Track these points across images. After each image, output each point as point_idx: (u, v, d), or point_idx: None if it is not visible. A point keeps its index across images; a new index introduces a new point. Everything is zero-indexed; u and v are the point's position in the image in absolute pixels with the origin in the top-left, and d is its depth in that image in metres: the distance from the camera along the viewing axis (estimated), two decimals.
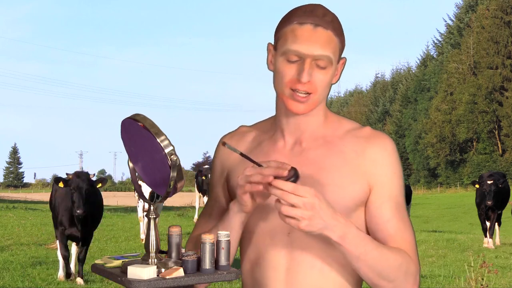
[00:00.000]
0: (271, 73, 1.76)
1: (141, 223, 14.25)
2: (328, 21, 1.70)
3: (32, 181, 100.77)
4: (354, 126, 1.80)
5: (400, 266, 1.67)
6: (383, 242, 1.71)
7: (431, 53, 74.88)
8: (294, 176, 1.56)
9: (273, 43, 1.77)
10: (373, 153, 1.73)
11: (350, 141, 1.75)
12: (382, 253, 1.64)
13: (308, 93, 1.69)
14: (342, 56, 1.76)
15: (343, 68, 1.78)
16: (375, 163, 1.72)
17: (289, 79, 1.69)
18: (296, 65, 1.68)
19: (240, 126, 1.92)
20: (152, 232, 1.57)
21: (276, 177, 1.56)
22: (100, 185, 8.79)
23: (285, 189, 1.53)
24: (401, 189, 1.77)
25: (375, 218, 1.73)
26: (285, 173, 1.56)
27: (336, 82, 1.79)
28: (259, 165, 1.59)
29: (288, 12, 1.76)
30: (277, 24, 1.77)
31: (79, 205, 8.35)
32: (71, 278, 8.94)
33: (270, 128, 1.85)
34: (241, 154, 1.63)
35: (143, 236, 14.04)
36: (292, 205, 1.54)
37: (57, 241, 8.98)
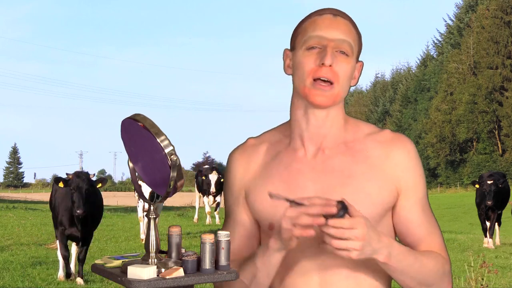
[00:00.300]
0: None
1: (141, 223, 14.25)
2: (347, 16, 1.73)
3: (32, 181, 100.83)
4: (373, 130, 1.78)
5: (438, 271, 1.70)
6: (415, 245, 1.74)
7: (431, 53, 74.92)
8: (342, 209, 1.53)
9: (289, 49, 1.74)
10: (397, 157, 1.72)
11: (373, 146, 1.73)
12: (422, 262, 1.67)
13: (331, 83, 1.65)
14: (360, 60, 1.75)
15: (361, 72, 1.76)
16: (401, 167, 1.72)
17: (310, 68, 1.66)
18: (317, 52, 1.66)
19: (248, 139, 1.86)
20: (152, 232, 1.57)
21: (325, 215, 1.52)
22: (100, 185, 8.79)
23: (344, 227, 1.51)
24: (425, 189, 1.78)
25: (405, 222, 1.74)
26: (334, 209, 1.53)
27: (355, 84, 1.76)
28: (301, 204, 1.54)
29: (303, 18, 1.76)
30: (292, 32, 1.76)
31: (79, 205, 8.35)
32: (71, 278, 8.94)
33: (284, 136, 1.79)
34: (288, 201, 1.56)
35: (143, 236, 14.04)
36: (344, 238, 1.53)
37: (57, 241, 8.97)
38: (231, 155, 1.85)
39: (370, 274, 1.71)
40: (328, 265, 1.69)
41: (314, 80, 1.65)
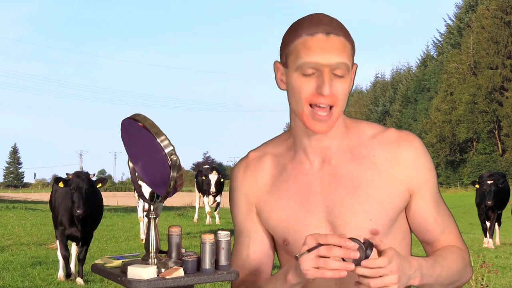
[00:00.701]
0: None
1: (141, 223, 14.25)
2: (337, 27, 1.63)
3: (32, 181, 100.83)
4: (377, 130, 1.74)
5: (461, 268, 1.71)
6: (434, 241, 1.74)
7: (431, 53, 74.89)
8: (369, 247, 1.49)
9: (280, 61, 1.68)
10: (406, 158, 1.70)
11: (379, 149, 1.70)
12: (448, 267, 1.66)
13: (330, 106, 1.61)
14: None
15: (354, 75, 1.70)
16: (411, 167, 1.70)
17: (308, 95, 1.60)
18: (313, 78, 1.60)
19: (249, 153, 1.82)
20: (152, 232, 1.57)
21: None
22: (100, 185, 8.79)
23: (378, 266, 1.47)
24: (437, 183, 1.77)
25: (423, 221, 1.73)
26: (357, 255, 1.47)
27: (350, 90, 1.70)
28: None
29: (292, 25, 1.68)
30: (281, 41, 1.68)
31: (79, 205, 8.35)
32: (71, 278, 8.94)
33: (287, 149, 1.76)
34: (311, 249, 1.50)
35: (143, 236, 14.04)
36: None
37: (57, 241, 8.97)
38: (235, 172, 1.82)
39: None
40: (347, 280, 1.65)
41: (312, 106, 1.61)
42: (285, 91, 1.69)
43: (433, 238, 1.74)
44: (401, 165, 1.69)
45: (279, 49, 1.69)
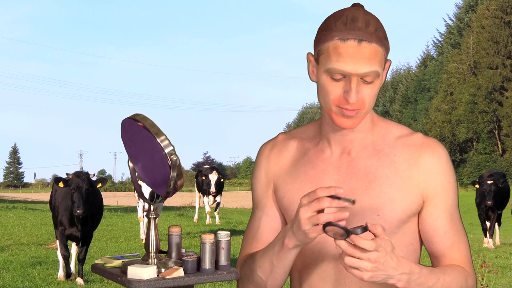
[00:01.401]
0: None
1: (141, 223, 14.25)
2: (372, 32, 1.60)
3: (32, 181, 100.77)
4: (404, 132, 1.75)
5: (460, 287, 1.67)
6: (440, 255, 1.71)
7: (431, 53, 74.92)
8: (361, 229, 1.48)
9: (313, 54, 1.68)
10: (427, 163, 1.69)
11: (401, 150, 1.70)
12: (444, 282, 1.63)
13: (357, 109, 1.62)
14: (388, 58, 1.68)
15: (387, 71, 1.70)
16: (430, 173, 1.69)
17: (335, 97, 1.61)
18: (341, 83, 1.60)
19: (279, 134, 1.86)
20: (152, 232, 1.57)
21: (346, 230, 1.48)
22: (100, 185, 8.79)
23: (362, 246, 1.47)
24: (456, 197, 1.74)
25: (432, 230, 1.71)
26: (346, 214, 1.48)
27: (379, 88, 1.69)
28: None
29: (327, 21, 1.65)
30: (316, 32, 1.67)
31: (79, 205, 8.35)
32: (71, 278, 8.94)
33: (314, 135, 1.79)
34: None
35: (143, 236, 14.04)
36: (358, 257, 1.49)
37: (57, 241, 8.98)
38: (261, 149, 1.86)
39: None
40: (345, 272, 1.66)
41: (340, 107, 1.62)
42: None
43: (439, 251, 1.71)
44: (420, 169, 1.68)
45: (314, 40, 1.69)
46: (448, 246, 1.71)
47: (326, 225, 1.48)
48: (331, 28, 1.63)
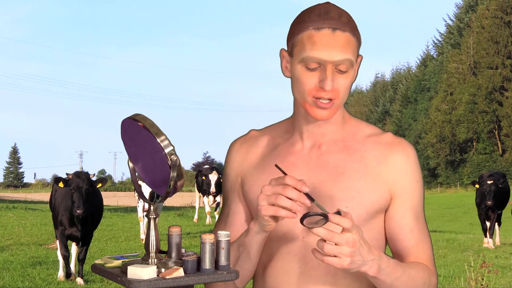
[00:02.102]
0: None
1: (141, 223, 14.26)
2: (345, 22, 1.65)
3: (32, 181, 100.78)
4: (375, 131, 1.76)
5: (424, 284, 1.68)
6: (405, 253, 1.72)
7: (431, 53, 74.92)
8: (324, 219, 1.48)
9: (286, 49, 1.71)
10: (396, 161, 1.71)
11: (371, 147, 1.72)
12: (410, 275, 1.64)
13: (331, 99, 1.64)
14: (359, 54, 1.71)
15: (359, 66, 1.72)
16: (398, 171, 1.70)
17: (310, 87, 1.64)
18: (316, 73, 1.63)
19: (250, 130, 1.88)
20: (152, 232, 1.57)
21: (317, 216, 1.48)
22: (100, 185, 8.80)
23: (345, 225, 1.47)
24: (422, 197, 1.76)
25: (397, 228, 1.72)
26: (308, 203, 1.49)
27: (353, 81, 1.73)
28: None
29: (300, 15, 1.70)
30: (289, 28, 1.71)
31: (79, 205, 8.36)
32: (71, 278, 8.95)
33: (286, 131, 1.81)
34: (279, 169, 1.54)
35: (143, 236, 14.05)
36: (335, 243, 1.48)
37: (57, 241, 8.98)
38: (231, 145, 1.87)
39: (350, 272, 1.64)
40: (310, 259, 1.67)
41: (315, 97, 1.65)
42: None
43: (404, 249, 1.72)
44: (389, 167, 1.70)
45: (286, 37, 1.72)
46: (413, 244, 1.72)
47: (304, 217, 1.48)
48: (305, 20, 1.67)
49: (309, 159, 1.73)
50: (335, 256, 1.49)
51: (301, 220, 1.49)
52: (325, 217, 1.48)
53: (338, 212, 1.49)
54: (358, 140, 1.74)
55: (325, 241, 1.49)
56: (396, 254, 1.75)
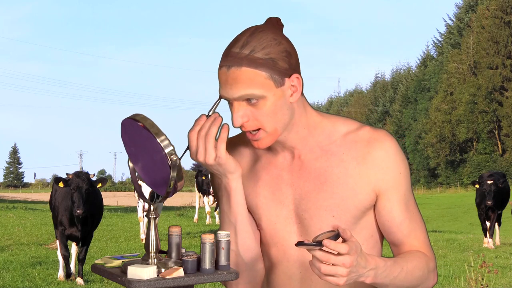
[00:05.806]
0: None
1: (141, 223, 14.25)
2: (244, 55, 1.60)
3: (32, 181, 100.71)
4: (351, 128, 1.73)
5: (423, 273, 1.70)
6: (399, 243, 1.74)
7: (431, 53, 74.85)
8: (334, 237, 1.50)
9: None
10: (375, 159, 1.69)
11: (349, 147, 1.71)
12: (408, 270, 1.66)
13: (258, 129, 1.64)
14: (292, 74, 1.62)
15: (302, 83, 1.65)
16: (379, 168, 1.69)
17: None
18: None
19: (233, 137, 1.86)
20: (152, 232, 1.57)
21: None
22: (100, 185, 8.80)
23: (341, 251, 1.48)
24: (409, 185, 1.75)
25: (387, 222, 1.73)
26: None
27: (296, 99, 1.65)
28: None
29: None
30: None
31: (79, 205, 8.36)
32: (71, 278, 8.94)
33: None
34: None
35: (143, 236, 14.04)
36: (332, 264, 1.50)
37: (57, 241, 8.98)
38: None
39: None
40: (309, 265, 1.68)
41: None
42: None
43: (397, 240, 1.74)
44: (369, 166, 1.69)
45: None
46: (405, 234, 1.73)
47: (298, 244, 1.50)
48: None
49: (292, 170, 1.73)
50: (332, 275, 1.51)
51: (296, 245, 1.51)
52: (320, 245, 1.48)
53: (337, 234, 1.50)
54: (335, 142, 1.72)
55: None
56: (391, 244, 1.77)
